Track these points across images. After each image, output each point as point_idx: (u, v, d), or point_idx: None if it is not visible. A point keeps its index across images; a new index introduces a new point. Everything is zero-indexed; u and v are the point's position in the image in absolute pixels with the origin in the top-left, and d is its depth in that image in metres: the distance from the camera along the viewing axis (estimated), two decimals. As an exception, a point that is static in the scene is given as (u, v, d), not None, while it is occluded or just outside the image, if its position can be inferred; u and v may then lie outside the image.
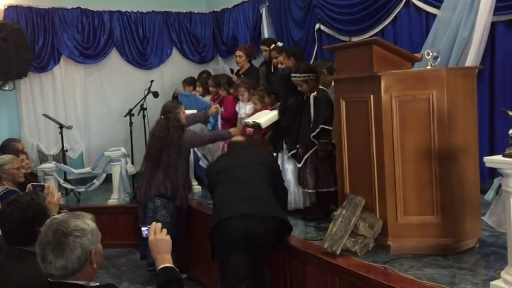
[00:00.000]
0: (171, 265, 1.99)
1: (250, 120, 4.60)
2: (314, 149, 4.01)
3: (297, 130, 4.20)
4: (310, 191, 4.11)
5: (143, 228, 2.15)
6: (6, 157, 4.07)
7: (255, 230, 3.19)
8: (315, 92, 4.07)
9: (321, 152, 3.97)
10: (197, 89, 6.37)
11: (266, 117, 4.50)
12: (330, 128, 3.92)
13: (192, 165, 5.43)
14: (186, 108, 5.43)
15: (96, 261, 1.80)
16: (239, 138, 4.11)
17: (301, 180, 4.14)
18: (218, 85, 5.89)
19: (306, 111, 4.13)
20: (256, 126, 4.49)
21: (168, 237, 2.04)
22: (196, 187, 5.58)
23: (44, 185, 2.97)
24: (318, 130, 3.94)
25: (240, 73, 6.17)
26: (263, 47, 6.01)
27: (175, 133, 4.57)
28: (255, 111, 4.93)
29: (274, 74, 5.53)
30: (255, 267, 3.33)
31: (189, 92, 6.55)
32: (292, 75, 4.22)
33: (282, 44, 5.87)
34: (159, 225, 2.07)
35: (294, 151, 4.20)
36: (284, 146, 4.40)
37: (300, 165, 4.10)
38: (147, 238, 2.08)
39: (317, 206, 4.19)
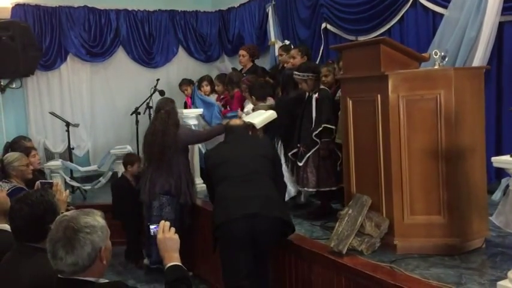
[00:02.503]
0: (179, 263, 2.00)
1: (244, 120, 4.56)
2: (316, 148, 4.01)
3: (298, 129, 4.20)
4: (310, 190, 4.12)
5: (151, 227, 2.16)
6: (15, 154, 4.10)
7: (260, 230, 3.18)
8: (317, 93, 4.07)
9: (323, 151, 3.97)
10: (204, 88, 6.37)
11: (261, 117, 4.41)
12: (333, 127, 3.93)
13: (197, 162, 5.44)
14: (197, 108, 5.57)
15: (106, 257, 1.81)
16: (237, 121, 3.91)
17: (300, 179, 4.13)
18: (224, 83, 5.92)
19: (307, 111, 4.14)
20: (251, 126, 4.43)
21: (176, 236, 2.06)
22: (202, 185, 5.58)
23: (52, 183, 2.99)
24: (320, 129, 3.94)
25: (243, 72, 6.18)
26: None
27: (172, 129, 4.56)
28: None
29: (281, 70, 5.54)
30: (258, 266, 3.33)
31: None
32: (294, 72, 4.26)
33: (288, 42, 5.88)
34: (168, 223, 2.09)
35: (294, 150, 4.20)
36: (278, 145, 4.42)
37: (301, 164, 4.10)
38: (154, 236, 2.09)
39: (320, 204, 4.21)
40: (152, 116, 6.38)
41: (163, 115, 4.59)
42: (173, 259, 2.00)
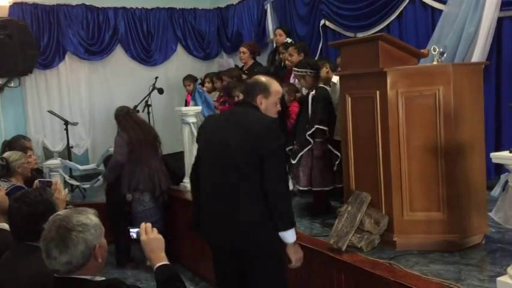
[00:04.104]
0: (167, 262, 1.98)
1: None
2: (309, 147, 4.00)
3: (295, 127, 4.19)
4: (301, 188, 4.13)
5: (132, 230, 2.08)
6: (18, 152, 4.11)
7: (243, 264, 2.61)
8: (314, 91, 4.07)
9: (316, 151, 3.98)
10: (206, 85, 6.36)
11: None
12: (325, 128, 3.93)
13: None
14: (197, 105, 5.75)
15: (101, 255, 1.81)
16: (260, 79, 2.72)
17: (293, 176, 4.14)
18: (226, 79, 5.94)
19: (304, 108, 4.13)
20: None
21: (160, 236, 2.02)
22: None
23: (51, 181, 2.98)
24: (313, 129, 3.94)
25: (244, 69, 6.17)
26: (279, 31, 6.00)
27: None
28: None
29: (283, 69, 5.57)
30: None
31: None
32: (293, 68, 4.27)
33: (291, 40, 5.89)
34: (149, 224, 2.05)
35: (290, 147, 4.19)
36: None
37: (294, 162, 4.09)
38: (136, 239, 2.04)
39: (315, 203, 4.21)
40: (151, 113, 6.51)
41: (136, 113, 5.32)
42: (161, 259, 1.97)
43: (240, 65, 6.45)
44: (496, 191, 3.60)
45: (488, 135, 3.84)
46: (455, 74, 3.04)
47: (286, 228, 2.50)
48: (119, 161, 4.89)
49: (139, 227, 2.05)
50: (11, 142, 5.09)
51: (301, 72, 4.09)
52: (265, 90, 2.65)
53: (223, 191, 2.55)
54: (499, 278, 2.51)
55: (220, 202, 2.56)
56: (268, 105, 2.66)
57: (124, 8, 7.58)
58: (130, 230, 2.10)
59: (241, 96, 4.93)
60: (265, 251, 2.54)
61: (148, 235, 2.00)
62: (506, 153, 2.47)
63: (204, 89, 6.29)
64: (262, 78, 2.71)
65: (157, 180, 4.87)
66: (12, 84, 6.93)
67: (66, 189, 3.06)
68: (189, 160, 5.43)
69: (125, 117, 5.03)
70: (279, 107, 2.74)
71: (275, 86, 2.69)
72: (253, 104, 2.64)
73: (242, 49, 6.18)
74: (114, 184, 5.04)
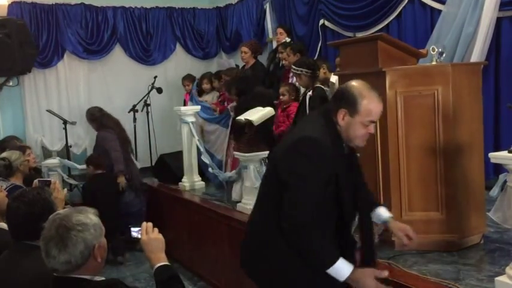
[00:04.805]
0: (167, 263, 1.97)
1: (242, 117, 4.51)
2: None
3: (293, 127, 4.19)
4: None
5: (134, 229, 2.07)
6: (16, 152, 4.12)
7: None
8: (311, 91, 4.07)
9: None
10: (204, 85, 6.35)
11: (259, 114, 4.34)
12: None
13: (195, 159, 5.47)
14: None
15: (101, 255, 1.80)
16: (353, 85, 2.09)
17: None
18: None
19: (302, 108, 4.13)
20: (249, 124, 4.32)
21: (161, 236, 2.01)
22: (199, 183, 5.56)
23: (50, 181, 2.98)
24: None
25: (245, 69, 6.17)
26: (279, 30, 6.04)
27: None
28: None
29: (281, 68, 5.58)
30: None
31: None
32: (291, 66, 4.33)
33: (289, 39, 5.89)
34: (150, 224, 2.02)
35: None
36: None
37: None
38: (136, 239, 2.04)
39: None
40: (150, 112, 6.51)
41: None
42: (161, 259, 1.95)
43: (241, 64, 6.44)
44: (495, 191, 3.61)
45: (487, 135, 3.84)
46: (454, 74, 3.04)
47: (316, 267, 1.96)
48: (120, 151, 5.34)
49: (138, 225, 2.05)
50: (3, 142, 5.09)
51: (297, 70, 4.11)
52: (352, 104, 1.99)
53: (257, 198, 2.17)
54: (497, 278, 2.51)
55: (253, 209, 2.22)
56: (351, 125, 1.99)
57: (123, 8, 7.56)
58: (132, 229, 2.10)
59: None
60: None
61: (148, 235, 1.99)
62: (504, 153, 2.47)
63: (195, 93, 6.32)
64: (355, 87, 2.03)
65: (135, 174, 5.55)
66: (10, 84, 6.91)
67: (65, 189, 3.05)
68: (188, 160, 5.43)
69: (103, 116, 5.49)
70: (370, 130, 2.02)
71: (368, 103, 1.99)
72: (329, 116, 2.02)
73: (243, 49, 6.14)
74: (98, 182, 5.28)
